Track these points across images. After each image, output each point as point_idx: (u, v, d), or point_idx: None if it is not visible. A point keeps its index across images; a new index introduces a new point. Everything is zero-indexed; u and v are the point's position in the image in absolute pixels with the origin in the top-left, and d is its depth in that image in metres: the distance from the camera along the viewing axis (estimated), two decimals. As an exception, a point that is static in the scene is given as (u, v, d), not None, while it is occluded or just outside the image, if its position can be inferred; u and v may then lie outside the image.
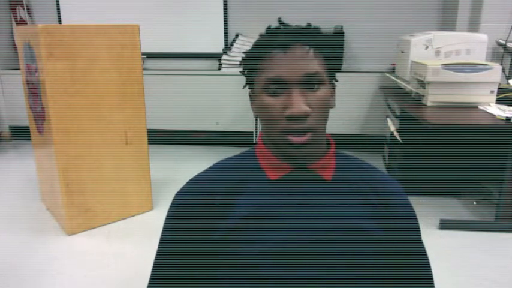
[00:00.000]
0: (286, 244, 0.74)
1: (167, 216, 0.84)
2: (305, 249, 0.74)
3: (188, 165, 3.58)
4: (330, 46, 0.79)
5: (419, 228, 0.84)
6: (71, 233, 2.41)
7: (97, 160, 2.42)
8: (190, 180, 0.85)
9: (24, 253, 2.23)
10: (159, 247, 0.84)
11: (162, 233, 0.84)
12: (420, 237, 0.85)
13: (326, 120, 0.79)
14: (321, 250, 0.74)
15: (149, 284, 0.83)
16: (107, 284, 1.98)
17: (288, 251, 0.74)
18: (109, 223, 2.53)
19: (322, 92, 0.76)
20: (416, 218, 0.84)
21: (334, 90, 0.84)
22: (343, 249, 0.74)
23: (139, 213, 2.66)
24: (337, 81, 0.84)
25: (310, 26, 0.81)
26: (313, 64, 0.75)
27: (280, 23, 0.81)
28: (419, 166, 2.77)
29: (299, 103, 0.72)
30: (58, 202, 2.43)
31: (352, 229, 0.76)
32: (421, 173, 2.78)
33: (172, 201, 0.84)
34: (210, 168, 0.86)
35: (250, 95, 0.84)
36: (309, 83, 0.75)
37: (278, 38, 0.75)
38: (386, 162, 3.33)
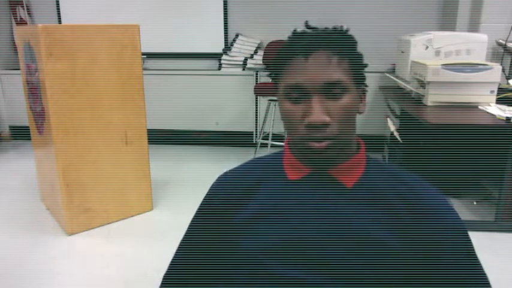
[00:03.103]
0: (288, 242, 0.74)
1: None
2: (305, 250, 0.73)
3: (188, 165, 3.57)
4: (356, 51, 0.76)
5: (474, 251, 0.77)
6: (71, 233, 2.41)
7: (97, 160, 2.42)
8: (224, 173, 0.90)
9: (24, 253, 2.23)
10: (186, 230, 0.90)
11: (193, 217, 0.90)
12: (477, 259, 0.77)
13: (350, 126, 0.76)
14: (323, 254, 0.73)
15: (171, 263, 0.89)
16: (106, 284, 1.98)
17: (288, 250, 0.74)
18: (109, 223, 2.54)
19: (346, 99, 0.73)
20: (471, 242, 0.77)
21: (364, 95, 0.80)
22: (348, 257, 0.71)
23: (139, 213, 2.67)
24: (367, 86, 0.80)
25: (337, 29, 0.77)
26: (336, 72, 0.71)
27: (306, 27, 0.78)
28: (419, 166, 2.76)
29: (318, 112, 0.71)
30: (58, 202, 2.43)
31: (362, 239, 0.72)
32: (420, 173, 2.76)
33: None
34: (243, 164, 0.90)
35: (277, 99, 0.82)
36: (331, 91, 0.72)
37: (300, 44, 0.73)
38: (386, 162, 3.33)
